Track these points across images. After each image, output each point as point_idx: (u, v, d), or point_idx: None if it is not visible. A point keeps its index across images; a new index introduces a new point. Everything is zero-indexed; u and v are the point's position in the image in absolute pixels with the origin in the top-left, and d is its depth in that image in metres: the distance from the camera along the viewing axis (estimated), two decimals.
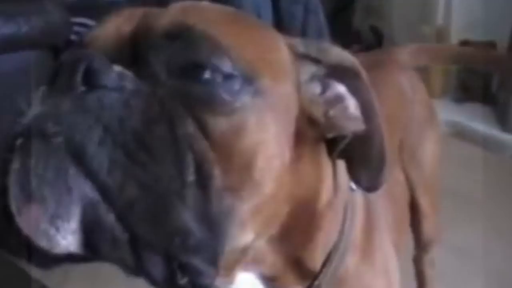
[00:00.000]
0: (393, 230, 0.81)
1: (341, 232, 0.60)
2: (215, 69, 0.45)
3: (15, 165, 0.42)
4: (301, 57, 0.52)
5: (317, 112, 0.52)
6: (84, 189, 0.41)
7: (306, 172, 0.53)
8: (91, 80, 0.42)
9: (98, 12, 0.54)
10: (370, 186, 0.57)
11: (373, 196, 0.70)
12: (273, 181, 0.48)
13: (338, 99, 0.53)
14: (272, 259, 0.55)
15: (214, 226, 0.44)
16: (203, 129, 0.44)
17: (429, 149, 1.07)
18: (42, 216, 0.41)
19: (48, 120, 0.41)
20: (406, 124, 1.01)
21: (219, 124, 0.45)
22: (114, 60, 0.45)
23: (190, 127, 0.44)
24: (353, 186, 0.62)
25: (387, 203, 0.79)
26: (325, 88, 0.53)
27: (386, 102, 0.99)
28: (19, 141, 0.42)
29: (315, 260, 0.58)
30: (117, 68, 0.44)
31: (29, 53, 1.73)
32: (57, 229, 0.41)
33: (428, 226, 1.12)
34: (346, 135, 0.54)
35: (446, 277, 1.36)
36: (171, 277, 0.44)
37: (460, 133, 2.37)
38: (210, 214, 0.44)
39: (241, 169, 0.46)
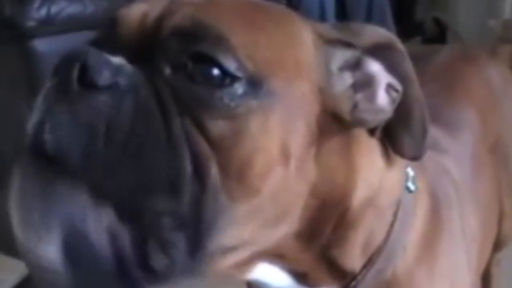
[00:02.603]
0: (478, 241, 0.77)
1: (388, 234, 0.57)
2: (219, 69, 0.43)
3: (17, 174, 0.44)
4: (333, 42, 0.49)
5: (344, 108, 0.49)
6: (69, 198, 0.42)
7: (330, 166, 0.50)
8: (84, 79, 0.43)
9: None
10: (413, 154, 0.55)
11: (446, 202, 0.67)
12: (273, 185, 0.46)
13: (368, 82, 0.50)
14: (296, 254, 0.53)
15: (204, 222, 0.44)
16: (201, 128, 0.43)
17: None
18: (29, 223, 0.43)
19: (43, 128, 0.43)
20: (498, 121, 0.97)
21: (217, 126, 0.43)
22: (127, 47, 0.46)
23: (187, 125, 0.43)
24: (412, 187, 0.59)
25: (472, 213, 0.76)
26: (356, 70, 0.50)
27: (476, 99, 0.95)
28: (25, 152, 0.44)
29: (353, 260, 0.56)
30: (117, 61, 0.44)
31: (94, 33, 1.76)
32: (40, 238, 0.42)
33: (506, 226, 1.07)
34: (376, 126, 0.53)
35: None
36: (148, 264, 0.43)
37: None
38: (203, 210, 0.44)
39: (238, 172, 0.44)
